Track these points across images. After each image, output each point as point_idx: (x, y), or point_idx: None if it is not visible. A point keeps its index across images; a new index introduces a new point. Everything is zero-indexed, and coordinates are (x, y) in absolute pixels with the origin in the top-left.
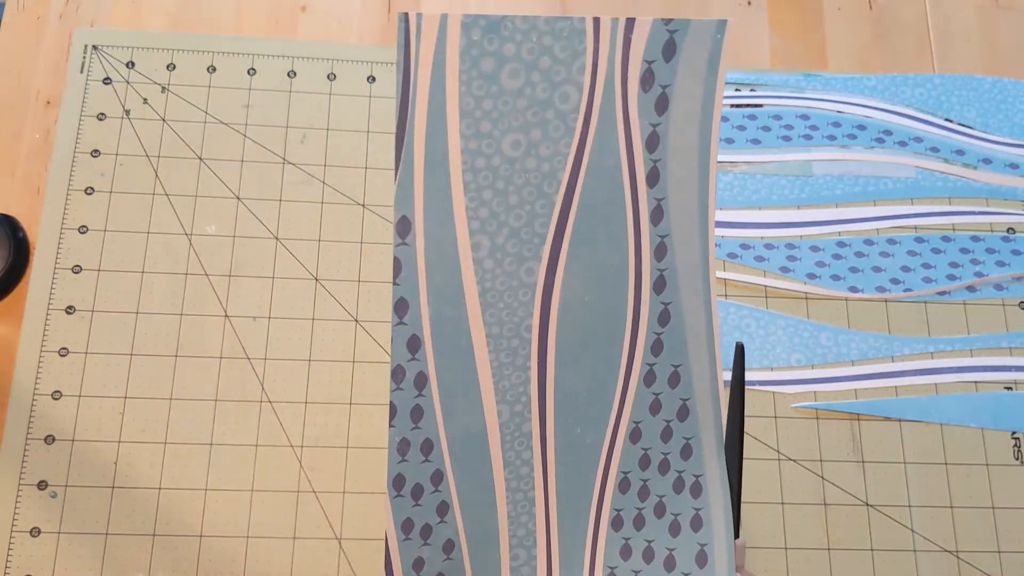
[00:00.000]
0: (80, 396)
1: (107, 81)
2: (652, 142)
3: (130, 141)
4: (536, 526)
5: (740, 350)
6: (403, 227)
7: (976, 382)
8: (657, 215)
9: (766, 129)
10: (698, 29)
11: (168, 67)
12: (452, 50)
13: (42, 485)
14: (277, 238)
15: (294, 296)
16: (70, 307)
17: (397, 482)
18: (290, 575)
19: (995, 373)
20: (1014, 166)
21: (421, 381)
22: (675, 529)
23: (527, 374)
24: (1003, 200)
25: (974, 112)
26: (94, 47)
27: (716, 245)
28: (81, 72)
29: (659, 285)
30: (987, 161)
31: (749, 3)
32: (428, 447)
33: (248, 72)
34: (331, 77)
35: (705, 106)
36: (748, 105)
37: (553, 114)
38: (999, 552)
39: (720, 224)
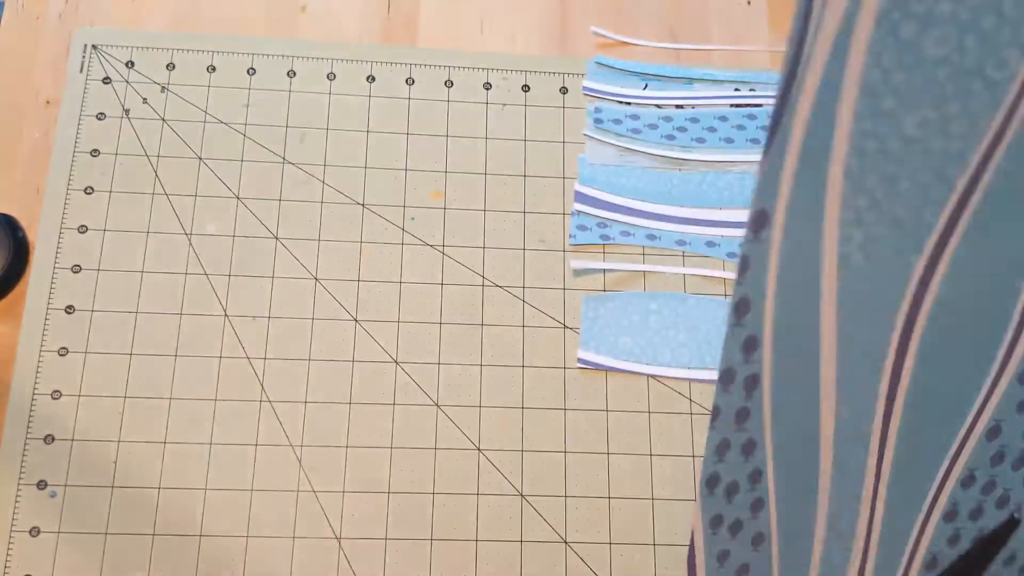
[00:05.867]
0: (80, 396)
1: (107, 81)
2: None
3: (130, 141)
4: (858, 519)
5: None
6: (759, 222)
7: None
8: None
9: (766, 129)
10: None
11: (168, 67)
12: (867, 13)
13: (41, 485)
14: (277, 238)
15: (294, 296)
16: (69, 307)
17: (711, 481)
18: (289, 575)
19: None
20: None
21: (752, 383)
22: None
23: (879, 375)
24: None
25: None
26: (94, 47)
27: (716, 245)
28: (81, 72)
29: None
30: None
31: (749, 3)
32: (750, 447)
33: (248, 72)
34: (331, 77)
35: None
36: (748, 105)
37: (981, 84)
38: None
39: (720, 224)
